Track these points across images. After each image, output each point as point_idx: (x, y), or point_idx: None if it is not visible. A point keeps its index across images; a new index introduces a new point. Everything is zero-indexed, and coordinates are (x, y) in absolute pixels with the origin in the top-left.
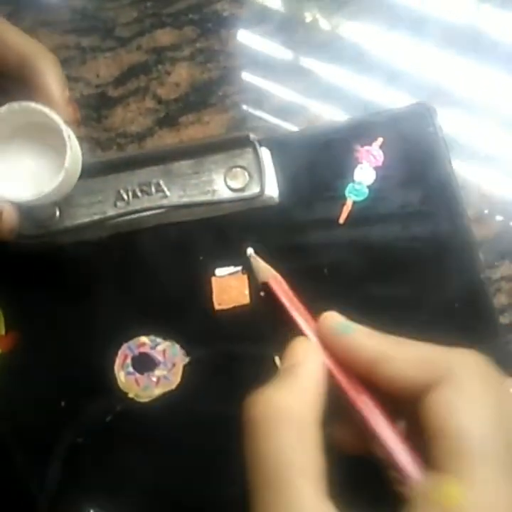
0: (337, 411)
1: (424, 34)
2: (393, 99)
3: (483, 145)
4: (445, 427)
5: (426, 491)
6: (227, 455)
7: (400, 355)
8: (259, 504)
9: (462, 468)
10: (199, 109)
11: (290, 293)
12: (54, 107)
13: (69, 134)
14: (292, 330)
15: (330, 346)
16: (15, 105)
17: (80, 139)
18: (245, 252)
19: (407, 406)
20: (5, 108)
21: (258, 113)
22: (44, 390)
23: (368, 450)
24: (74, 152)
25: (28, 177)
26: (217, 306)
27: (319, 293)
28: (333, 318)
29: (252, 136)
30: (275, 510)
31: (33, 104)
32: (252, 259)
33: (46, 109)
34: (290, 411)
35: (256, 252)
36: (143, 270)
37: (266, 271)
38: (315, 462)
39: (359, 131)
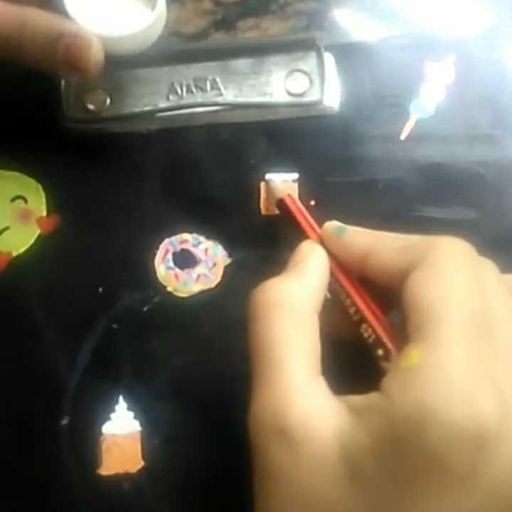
0: (333, 304)
1: None
2: (473, 18)
3: None
4: (416, 301)
5: (395, 361)
6: None
7: (384, 246)
8: (256, 381)
9: (425, 336)
10: (258, 14)
11: (302, 209)
12: None
13: None
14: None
15: (331, 249)
16: None
17: None
18: (297, 159)
19: (398, 297)
20: None
21: (320, 23)
22: (82, 275)
23: (358, 334)
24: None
25: (114, 14)
26: (263, 212)
27: (372, 208)
28: (332, 224)
29: (317, 40)
30: (270, 386)
31: None
32: (269, 182)
33: None
34: (291, 297)
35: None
36: (191, 168)
37: (282, 189)
38: (309, 345)
39: (431, 46)
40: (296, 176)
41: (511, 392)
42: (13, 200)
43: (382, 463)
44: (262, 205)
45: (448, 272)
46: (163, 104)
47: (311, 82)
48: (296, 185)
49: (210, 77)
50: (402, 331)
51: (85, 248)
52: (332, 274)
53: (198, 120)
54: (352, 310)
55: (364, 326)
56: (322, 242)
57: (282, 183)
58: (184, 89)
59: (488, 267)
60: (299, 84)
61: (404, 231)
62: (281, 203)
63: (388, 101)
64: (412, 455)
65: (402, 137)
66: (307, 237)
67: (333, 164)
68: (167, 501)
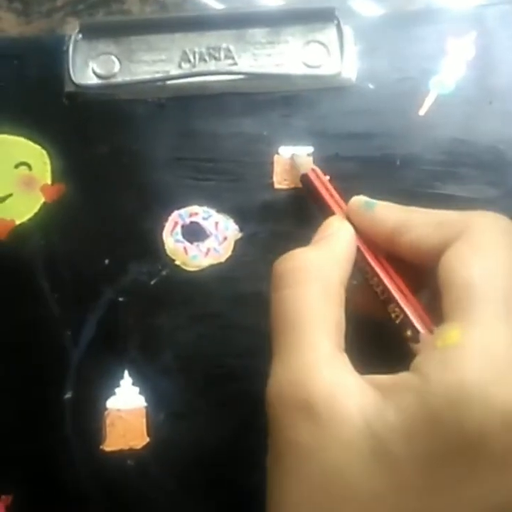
0: (358, 282)
1: None
2: None
3: None
4: (454, 278)
5: (429, 340)
6: (264, 333)
7: (418, 221)
8: (278, 352)
9: (465, 314)
10: None
11: (327, 184)
12: None
13: None
14: (328, 216)
15: (358, 225)
16: None
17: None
18: (312, 132)
19: (429, 276)
20: None
21: None
22: (87, 246)
23: (386, 314)
24: None
25: None
26: (276, 185)
27: (389, 184)
28: (359, 199)
29: (337, 10)
30: (292, 357)
31: None
32: (293, 156)
33: None
34: (318, 267)
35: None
36: (202, 139)
37: (306, 164)
38: (335, 318)
39: (452, 22)
40: (310, 149)
41: None
42: (17, 166)
43: (413, 442)
44: (274, 179)
45: (489, 248)
46: (174, 72)
47: (328, 53)
48: (310, 159)
49: (224, 46)
50: (432, 310)
51: (91, 218)
52: (358, 251)
53: (210, 89)
54: (379, 289)
55: (391, 305)
56: (348, 218)
57: (306, 157)
58: (197, 57)
59: None
60: (316, 55)
61: (422, 207)
62: (304, 178)
63: (407, 75)
64: (448, 435)
65: (422, 112)
66: (332, 213)
67: (349, 138)
68: (172, 478)
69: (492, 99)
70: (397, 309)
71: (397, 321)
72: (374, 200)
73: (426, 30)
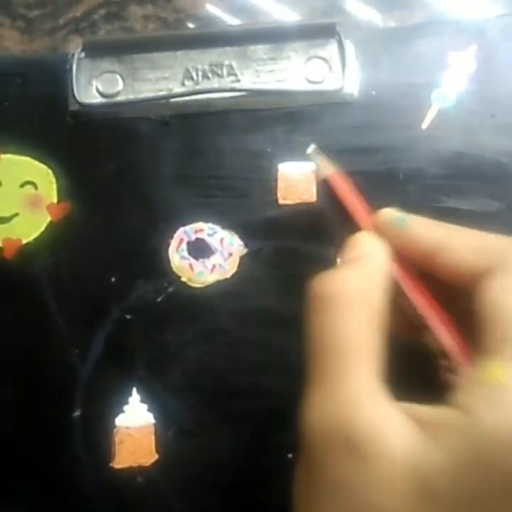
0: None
1: None
2: (494, 7)
3: None
4: (496, 311)
5: (472, 374)
6: (271, 348)
7: (458, 242)
8: (317, 383)
9: (510, 351)
10: None
11: (352, 190)
12: None
13: None
14: (351, 227)
15: (389, 241)
16: None
17: (145, 17)
18: (312, 146)
19: (464, 298)
20: None
21: (342, 4)
22: (94, 264)
23: (419, 338)
24: None
25: None
26: (281, 201)
27: (392, 199)
28: (390, 213)
29: (338, 26)
30: (334, 389)
31: None
32: (314, 156)
33: None
34: (360, 292)
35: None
36: (206, 155)
37: (328, 167)
38: (377, 347)
39: (453, 35)
40: (314, 166)
41: None
42: (22, 185)
43: (459, 483)
44: (279, 195)
45: None
46: (177, 90)
47: (330, 68)
48: (313, 175)
49: (227, 63)
50: (471, 338)
51: (97, 236)
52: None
53: (213, 106)
54: (412, 312)
55: (427, 331)
56: (377, 231)
57: (326, 162)
58: (200, 74)
59: None
60: (318, 71)
61: None
62: (325, 184)
63: (409, 89)
64: (497, 480)
65: (424, 126)
66: (356, 225)
67: (352, 153)
68: (182, 495)
69: (494, 111)
70: (432, 336)
71: (433, 348)
72: (406, 215)
73: (427, 43)
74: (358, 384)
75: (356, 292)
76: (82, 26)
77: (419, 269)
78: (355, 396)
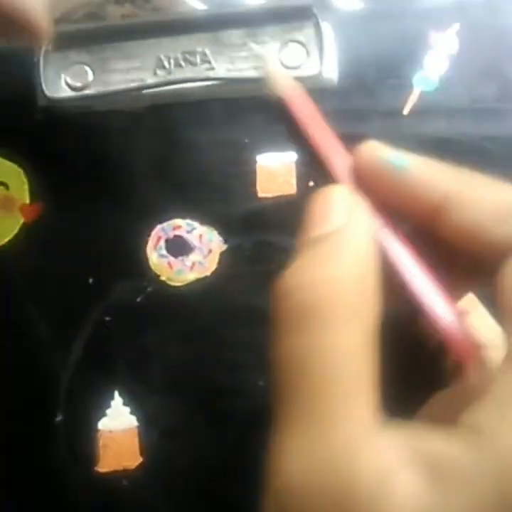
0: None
1: None
2: None
3: None
4: None
5: (491, 385)
6: (255, 347)
7: (480, 198)
8: (293, 421)
9: None
10: None
11: (318, 115)
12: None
13: None
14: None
15: (375, 190)
16: None
17: (124, 16)
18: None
19: (484, 271)
20: None
21: None
22: (70, 266)
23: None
24: None
25: None
26: (260, 194)
27: None
28: (379, 149)
29: (315, 8)
30: (319, 433)
31: None
32: (267, 69)
33: None
34: (343, 296)
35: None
36: (181, 148)
37: (286, 81)
38: (373, 369)
39: (433, 15)
40: (294, 156)
41: None
42: None
43: None
44: (258, 188)
45: None
46: (150, 80)
47: (308, 53)
48: (293, 166)
49: (200, 50)
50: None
51: (72, 237)
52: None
53: (187, 96)
54: (407, 295)
55: (425, 320)
56: (357, 179)
57: (282, 75)
58: (172, 63)
59: None
60: (295, 55)
61: None
62: (280, 105)
63: (390, 73)
64: None
65: (405, 112)
66: (323, 164)
67: None
68: (167, 497)
69: (477, 94)
70: (434, 331)
71: (432, 347)
72: (403, 156)
73: (408, 24)
74: (353, 426)
75: (338, 297)
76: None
77: (420, 231)
78: (350, 442)
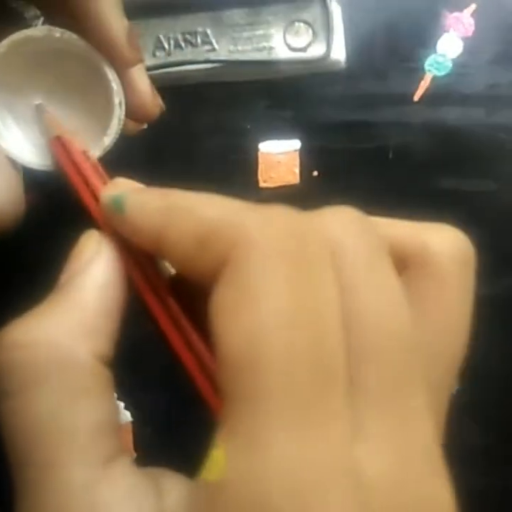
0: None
1: None
2: None
3: None
4: (223, 346)
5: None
6: None
7: (181, 227)
8: (23, 488)
9: (239, 415)
10: None
11: (82, 157)
12: (108, 44)
13: (120, 100)
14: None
15: (116, 233)
16: (55, 33)
17: None
18: (299, 123)
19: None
20: (34, 31)
21: None
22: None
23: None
24: (118, 127)
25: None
26: (262, 184)
27: (381, 180)
28: (107, 196)
29: None
30: (36, 506)
31: (77, 38)
32: (40, 111)
33: (96, 53)
34: (54, 347)
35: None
36: (180, 134)
37: (54, 126)
38: (93, 419)
39: None
40: (297, 144)
41: (383, 471)
42: None
43: None
44: (260, 177)
45: (261, 288)
46: (148, 62)
47: (314, 34)
48: (297, 154)
49: (201, 30)
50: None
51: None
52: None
53: (188, 79)
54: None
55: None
56: (102, 220)
57: (53, 119)
58: (172, 44)
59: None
60: (301, 36)
61: (416, 204)
62: (52, 146)
63: (401, 56)
64: None
65: (416, 97)
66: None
67: (338, 129)
68: None
69: (493, 81)
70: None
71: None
72: (123, 196)
73: (421, 4)
74: (68, 489)
75: (47, 351)
76: None
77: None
78: (66, 498)
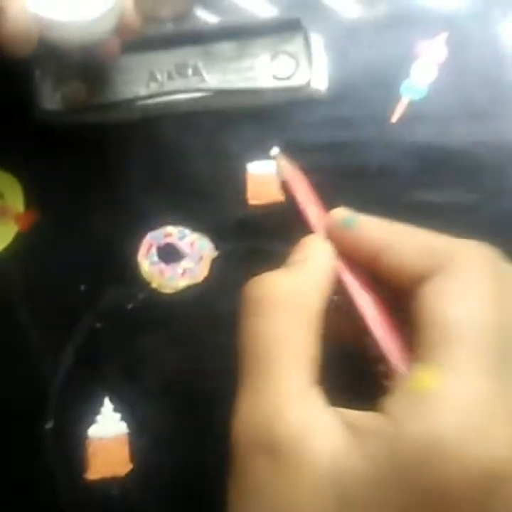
0: (336, 307)
1: None
2: None
3: None
4: (433, 316)
5: (403, 381)
6: None
7: (402, 243)
8: (245, 387)
9: (445, 358)
10: None
11: (306, 191)
12: None
13: None
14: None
15: (337, 243)
16: None
17: None
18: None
19: (408, 302)
20: None
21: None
22: (62, 272)
23: (361, 343)
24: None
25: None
26: (250, 201)
27: (364, 196)
28: (340, 213)
29: (303, 20)
30: (261, 394)
31: None
32: (276, 158)
33: None
34: (295, 294)
35: (283, 151)
36: (174, 158)
37: (286, 169)
38: (310, 349)
39: (421, 23)
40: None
41: None
42: None
43: (378, 492)
44: (248, 195)
45: (473, 288)
46: (142, 93)
47: (297, 64)
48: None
49: (192, 63)
50: (409, 344)
51: (65, 245)
52: (338, 272)
53: (180, 108)
54: (355, 315)
55: (368, 335)
56: (327, 233)
57: (285, 164)
58: (165, 76)
59: None
60: (285, 67)
61: (399, 219)
62: (286, 185)
63: (378, 82)
64: (414, 488)
65: (394, 120)
66: (310, 225)
67: (321, 150)
68: (157, 504)
69: (466, 101)
70: (371, 340)
71: (371, 353)
72: (355, 215)
73: (395, 33)
74: (288, 388)
75: (288, 294)
76: None
77: (366, 271)
78: (284, 400)
